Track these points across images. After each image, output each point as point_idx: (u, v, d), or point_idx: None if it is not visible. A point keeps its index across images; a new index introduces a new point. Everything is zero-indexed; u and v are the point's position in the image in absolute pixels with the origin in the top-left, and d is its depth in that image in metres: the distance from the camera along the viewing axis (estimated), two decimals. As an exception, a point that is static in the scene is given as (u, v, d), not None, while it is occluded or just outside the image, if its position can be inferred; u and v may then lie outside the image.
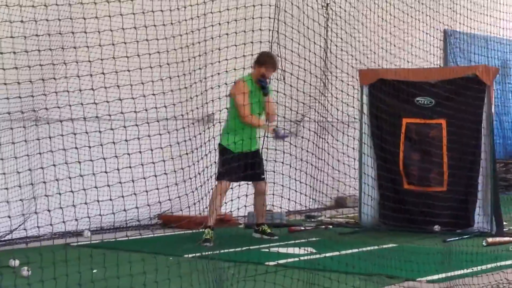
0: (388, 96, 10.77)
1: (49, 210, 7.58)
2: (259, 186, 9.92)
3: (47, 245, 9.08)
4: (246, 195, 9.71)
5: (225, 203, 8.89)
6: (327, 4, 10.56)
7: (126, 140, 8.24)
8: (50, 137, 8.12)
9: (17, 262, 7.81)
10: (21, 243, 9.49)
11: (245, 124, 9.67)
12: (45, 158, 8.38)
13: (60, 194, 7.70)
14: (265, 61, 9.75)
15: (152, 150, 8.23)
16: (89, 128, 8.47)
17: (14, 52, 7.65)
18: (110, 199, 8.02)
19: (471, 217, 10.50)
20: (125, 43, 8.20)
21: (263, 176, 9.89)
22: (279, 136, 9.79)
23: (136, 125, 8.80)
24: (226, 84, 9.38)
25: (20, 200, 8.02)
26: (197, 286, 6.22)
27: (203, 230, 9.67)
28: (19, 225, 9.45)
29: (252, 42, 8.94)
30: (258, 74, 9.80)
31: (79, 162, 8.09)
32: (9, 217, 7.45)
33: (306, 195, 9.85)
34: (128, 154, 8.28)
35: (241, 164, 9.57)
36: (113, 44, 8.32)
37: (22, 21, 7.63)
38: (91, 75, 8.13)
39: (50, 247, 8.41)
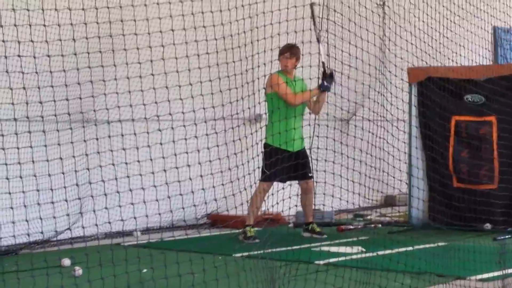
0: (437, 94, 10.72)
1: (94, 211, 7.71)
2: (306, 185, 9.92)
3: (95, 245, 9.16)
4: (297, 195, 9.74)
5: (277, 203, 8.93)
6: (383, 3, 10.52)
7: (186, 138, 8.38)
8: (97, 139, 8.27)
9: (68, 262, 7.92)
10: (69, 243, 9.58)
11: (296, 105, 9.64)
12: (94, 159, 8.49)
13: (106, 195, 7.80)
14: (283, 50, 9.74)
15: (208, 148, 8.33)
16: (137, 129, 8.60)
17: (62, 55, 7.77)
18: (156, 200, 8.10)
19: (523, 215, 10.43)
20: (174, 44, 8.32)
21: (310, 175, 9.90)
22: (330, 85, 9.73)
23: (184, 125, 8.88)
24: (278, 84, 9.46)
25: (78, 198, 8.14)
26: (251, 285, 6.26)
27: (244, 229, 9.75)
28: (72, 224, 9.57)
29: (303, 42, 8.97)
30: (282, 65, 9.80)
31: (126, 164, 8.19)
32: (67, 215, 7.57)
33: (359, 194, 9.83)
34: (187, 153, 8.40)
35: (287, 165, 9.60)
36: (162, 46, 8.43)
37: (71, 24, 7.73)
38: (140, 76, 8.23)
39: (97, 247, 8.47)
